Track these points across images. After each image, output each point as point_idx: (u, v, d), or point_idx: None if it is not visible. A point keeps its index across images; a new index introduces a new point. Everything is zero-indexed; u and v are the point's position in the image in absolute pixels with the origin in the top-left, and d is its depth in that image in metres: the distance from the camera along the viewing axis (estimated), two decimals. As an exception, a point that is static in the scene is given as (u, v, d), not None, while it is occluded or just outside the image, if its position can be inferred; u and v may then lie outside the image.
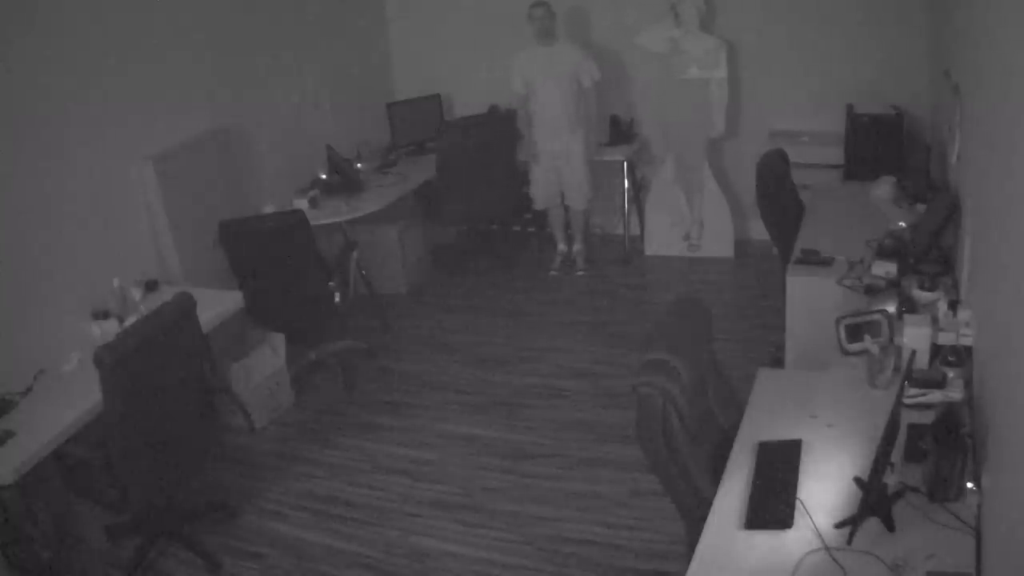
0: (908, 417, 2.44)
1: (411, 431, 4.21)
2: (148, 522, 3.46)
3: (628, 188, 5.88)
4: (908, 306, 3.04)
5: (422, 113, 5.95)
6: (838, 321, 2.87)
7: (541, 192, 5.64)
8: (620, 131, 5.80)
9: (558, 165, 5.47)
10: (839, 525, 2.10)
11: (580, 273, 5.74)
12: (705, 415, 2.67)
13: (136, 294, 3.86)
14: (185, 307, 3.22)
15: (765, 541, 2.13)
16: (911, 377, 2.52)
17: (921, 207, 3.92)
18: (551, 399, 4.35)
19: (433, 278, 5.86)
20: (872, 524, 2.09)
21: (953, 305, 2.88)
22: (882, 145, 4.88)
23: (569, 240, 5.94)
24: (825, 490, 2.26)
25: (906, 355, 2.58)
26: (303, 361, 4.70)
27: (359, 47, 6.13)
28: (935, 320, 2.79)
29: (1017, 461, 1.77)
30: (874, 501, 2.09)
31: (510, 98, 5.53)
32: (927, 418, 2.35)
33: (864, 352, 2.78)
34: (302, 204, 4.79)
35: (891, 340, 2.79)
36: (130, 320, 3.54)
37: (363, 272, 5.05)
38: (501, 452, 3.96)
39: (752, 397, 2.76)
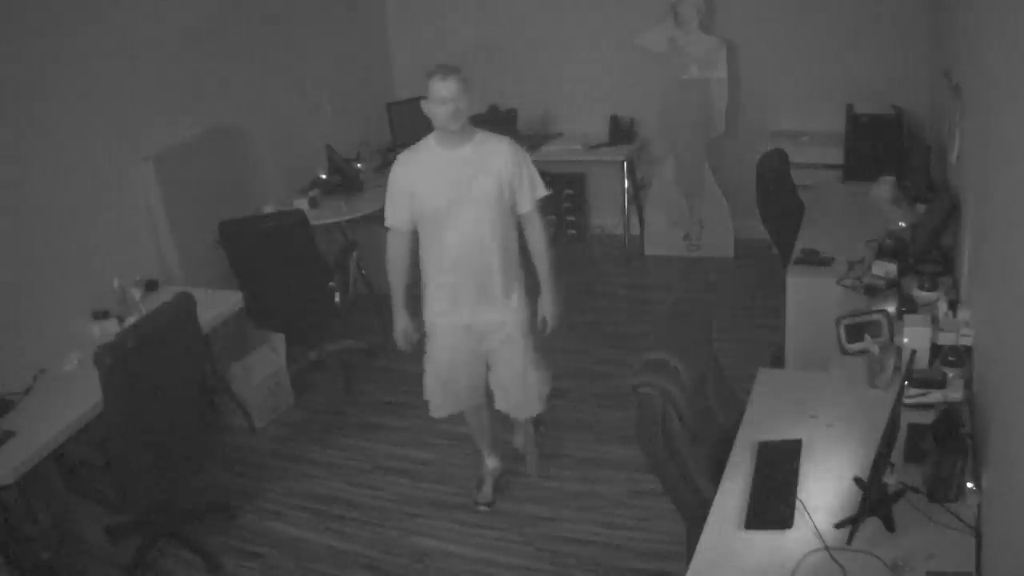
0: (908, 417, 2.44)
1: (411, 431, 4.21)
2: (148, 522, 3.46)
3: (628, 188, 5.87)
4: (908, 306, 3.04)
5: (422, 113, 5.92)
6: (838, 321, 2.88)
7: (442, 393, 3.38)
8: (620, 131, 5.80)
9: (483, 350, 3.30)
10: (839, 525, 2.10)
11: (533, 477, 3.72)
12: (705, 415, 2.67)
13: (136, 294, 3.86)
14: (185, 307, 3.22)
15: (765, 541, 2.13)
16: (911, 377, 2.52)
17: (921, 207, 3.93)
18: (551, 399, 4.34)
19: (433, 278, 5.84)
20: (872, 524, 2.09)
21: (953, 305, 2.89)
22: (882, 145, 4.88)
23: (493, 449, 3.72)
24: (825, 490, 2.26)
25: (906, 355, 2.59)
26: (303, 361, 4.70)
27: (359, 47, 6.13)
28: (935, 320, 2.79)
29: (1017, 461, 1.77)
30: (874, 501, 2.09)
31: (389, 238, 3.28)
32: (927, 418, 2.36)
33: (864, 352, 2.79)
34: (302, 204, 4.79)
35: (891, 340, 2.79)
36: (130, 320, 3.54)
37: (363, 272, 5.04)
38: (501, 452, 3.96)
39: (752, 397, 2.76)
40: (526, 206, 3.17)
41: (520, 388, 3.35)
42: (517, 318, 3.25)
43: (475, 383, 3.38)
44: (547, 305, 3.31)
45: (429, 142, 3.16)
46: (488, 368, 3.35)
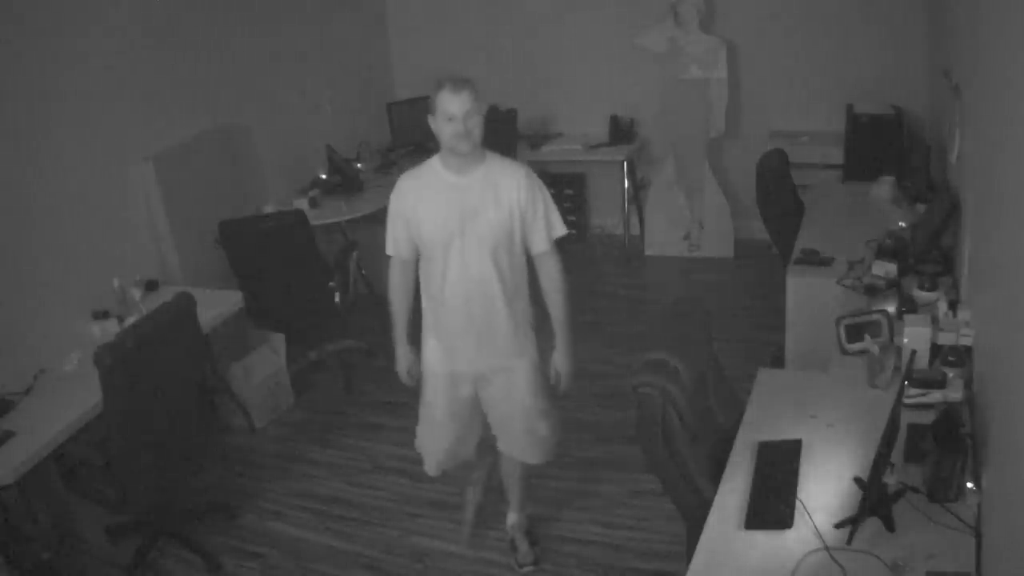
0: (908, 417, 2.44)
1: (411, 431, 4.14)
2: (148, 522, 3.46)
3: (628, 188, 5.88)
4: (908, 306, 3.04)
5: (422, 113, 5.90)
6: (838, 321, 2.88)
7: (432, 443, 3.08)
8: (620, 131, 5.80)
9: (482, 397, 2.97)
10: (839, 525, 2.10)
11: (527, 569, 3.22)
12: (705, 415, 2.67)
13: (136, 294, 3.86)
14: (185, 307, 3.22)
15: (765, 541, 2.13)
16: (911, 377, 2.52)
17: (921, 207, 3.93)
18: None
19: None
20: (872, 524, 2.09)
21: (953, 305, 2.89)
22: (882, 145, 4.88)
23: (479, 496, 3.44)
24: (825, 490, 2.26)
25: (906, 355, 2.59)
26: (303, 361, 4.69)
27: (359, 47, 6.13)
28: (935, 320, 2.79)
29: (1017, 461, 1.77)
30: (874, 501, 2.09)
31: (391, 267, 2.99)
32: (927, 418, 2.36)
33: (864, 352, 2.79)
34: (302, 204, 4.78)
35: (891, 340, 2.79)
36: (130, 320, 3.54)
37: (363, 272, 5.05)
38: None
39: (752, 397, 2.76)
40: (541, 245, 2.78)
41: (524, 436, 3.01)
42: (525, 366, 2.90)
43: (467, 432, 3.03)
44: (561, 358, 2.92)
45: (434, 164, 2.79)
46: (486, 414, 3.03)
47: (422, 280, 2.90)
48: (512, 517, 3.34)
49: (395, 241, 2.89)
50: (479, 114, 2.66)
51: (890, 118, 4.96)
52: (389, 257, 2.94)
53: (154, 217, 4.28)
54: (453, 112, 2.61)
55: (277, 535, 3.57)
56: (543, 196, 2.77)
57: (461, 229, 2.70)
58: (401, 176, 2.88)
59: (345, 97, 5.80)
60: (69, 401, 3.15)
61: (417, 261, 2.89)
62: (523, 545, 3.29)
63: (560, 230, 2.82)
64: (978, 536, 2.05)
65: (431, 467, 3.11)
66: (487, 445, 3.18)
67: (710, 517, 2.25)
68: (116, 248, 4.09)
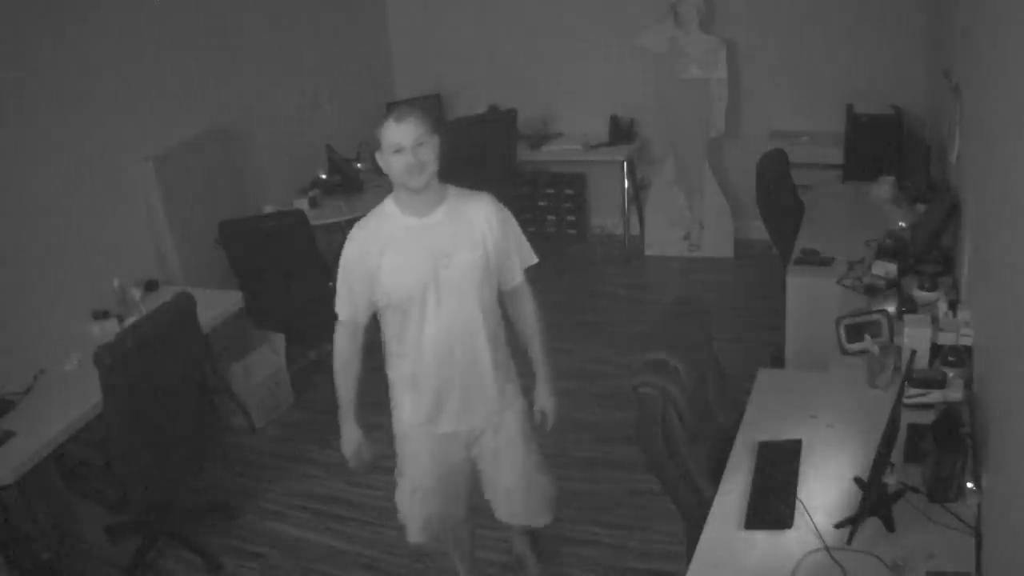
0: (908, 417, 2.43)
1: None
2: (148, 522, 3.46)
3: (628, 188, 5.87)
4: (908, 306, 3.04)
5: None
6: (838, 321, 2.88)
7: (421, 510, 2.75)
8: (620, 131, 5.80)
9: (471, 455, 2.71)
10: (839, 525, 2.10)
11: None
12: (705, 415, 2.67)
13: (136, 294, 3.87)
14: (185, 307, 3.22)
15: (765, 541, 2.13)
16: (911, 377, 2.52)
17: (921, 207, 3.93)
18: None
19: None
20: (872, 524, 2.09)
21: (953, 305, 2.89)
22: (882, 145, 4.88)
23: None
24: (825, 490, 2.26)
25: (906, 355, 2.58)
26: (303, 361, 4.69)
27: (359, 47, 6.13)
28: (935, 320, 2.79)
29: (1017, 461, 1.77)
30: (874, 501, 2.09)
31: (339, 333, 2.80)
32: (927, 418, 2.36)
33: (864, 352, 2.78)
34: (302, 204, 4.79)
35: (891, 340, 2.79)
36: (130, 320, 3.55)
37: (363, 272, 5.04)
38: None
39: (752, 397, 2.76)
40: (516, 278, 2.59)
41: (525, 494, 2.76)
42: (515, 414, 2.67)
43: (459, 494, 2.74)
44: (545, 396, 2.72)
45: (387, 208, 2.48)
46: (479, 474, 2.75)
47: (390, 336, 2.59)
48: (518, 543, 3.22)
49: (352, 301, 2.55)
50: (431, 144, 2.35)
51: (890, 118, 4.96)
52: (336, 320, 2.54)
53: (154, 217, 4.28)
54: (400, 143, 2.31)
55: (277, 535, 3.57)
56: (514, 226, 2.57)
57: (435, 277, 2.41)
58: (353, 228, 2.54)
59: (345, 97, 5.79)
60: (69, 401, 3.16)
61: (368, 323, 2.56)
62: (530, 560, 3.19)
63: (532, 259, 2.62)
64: (978, 536, 2.05)
65: (415, 532, 2.77)
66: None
67: (710, 517, 2.25)
68: (116, 248, 4.09)
